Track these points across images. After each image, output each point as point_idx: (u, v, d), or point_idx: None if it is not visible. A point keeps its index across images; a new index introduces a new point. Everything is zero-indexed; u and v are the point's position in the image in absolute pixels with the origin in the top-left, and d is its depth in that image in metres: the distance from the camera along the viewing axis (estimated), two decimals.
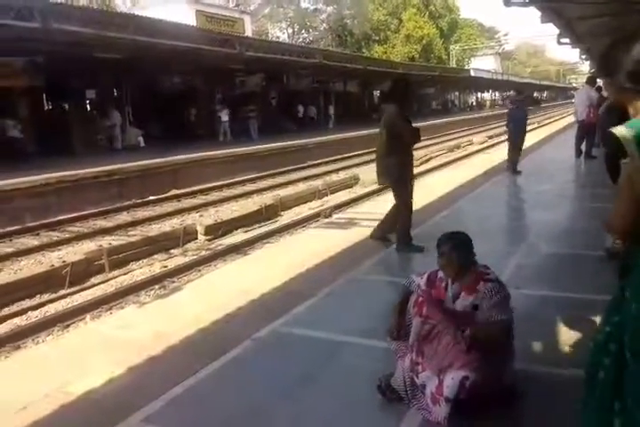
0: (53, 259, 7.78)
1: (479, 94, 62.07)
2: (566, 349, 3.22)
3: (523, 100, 11.61)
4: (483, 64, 59.93)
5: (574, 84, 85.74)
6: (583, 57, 23.41)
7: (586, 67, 44.45)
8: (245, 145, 17.87)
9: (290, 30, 49.94)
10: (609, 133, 1.80)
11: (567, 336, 3.36)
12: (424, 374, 2.59)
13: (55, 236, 9.68)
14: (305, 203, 12.05)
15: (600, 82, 10.37)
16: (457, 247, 2.67)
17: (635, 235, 1.77)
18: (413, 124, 5.47)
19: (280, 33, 50.16)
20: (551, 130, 23.03)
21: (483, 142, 22.97)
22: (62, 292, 6.76)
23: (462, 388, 2.40)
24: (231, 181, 14.87)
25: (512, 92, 17.32)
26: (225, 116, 20.94)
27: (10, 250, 8.66)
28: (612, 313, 1.78)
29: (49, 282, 6.88)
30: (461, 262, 2.65)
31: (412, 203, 5.54)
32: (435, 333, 2.61)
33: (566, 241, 5.71)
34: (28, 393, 2.87)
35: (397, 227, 5.51)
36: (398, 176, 5.38)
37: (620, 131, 1.77)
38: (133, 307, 4.18)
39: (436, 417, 2.48)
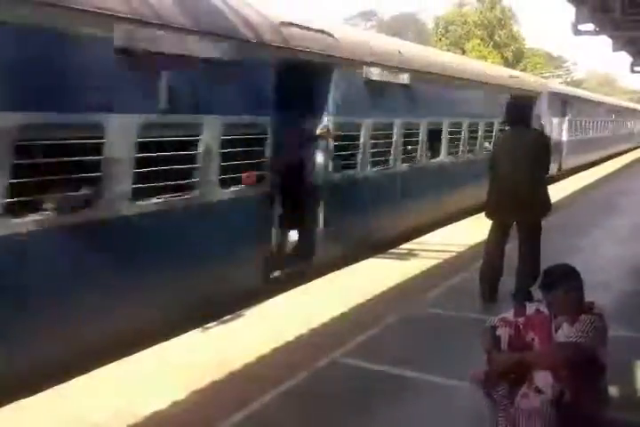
0: None
1: None
2: None
3: None
4: None
5: None
6: None
7: None
8: None
9: None
10: None
11: None
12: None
13: None
14: None
15: None
16: (577, 287, 2.47)
17: None
18: None
19: None
20: None
21: None
22: None
23: None
24: None
25: None
26: None
27: None
28: None
29: None
30: (580, 301, 2.47)
31: None
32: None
33: None
34: (98, 411, 3.00)
35: (525, 269, 4.62)
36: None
37: None
38: (197, 331, 4.30)
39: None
